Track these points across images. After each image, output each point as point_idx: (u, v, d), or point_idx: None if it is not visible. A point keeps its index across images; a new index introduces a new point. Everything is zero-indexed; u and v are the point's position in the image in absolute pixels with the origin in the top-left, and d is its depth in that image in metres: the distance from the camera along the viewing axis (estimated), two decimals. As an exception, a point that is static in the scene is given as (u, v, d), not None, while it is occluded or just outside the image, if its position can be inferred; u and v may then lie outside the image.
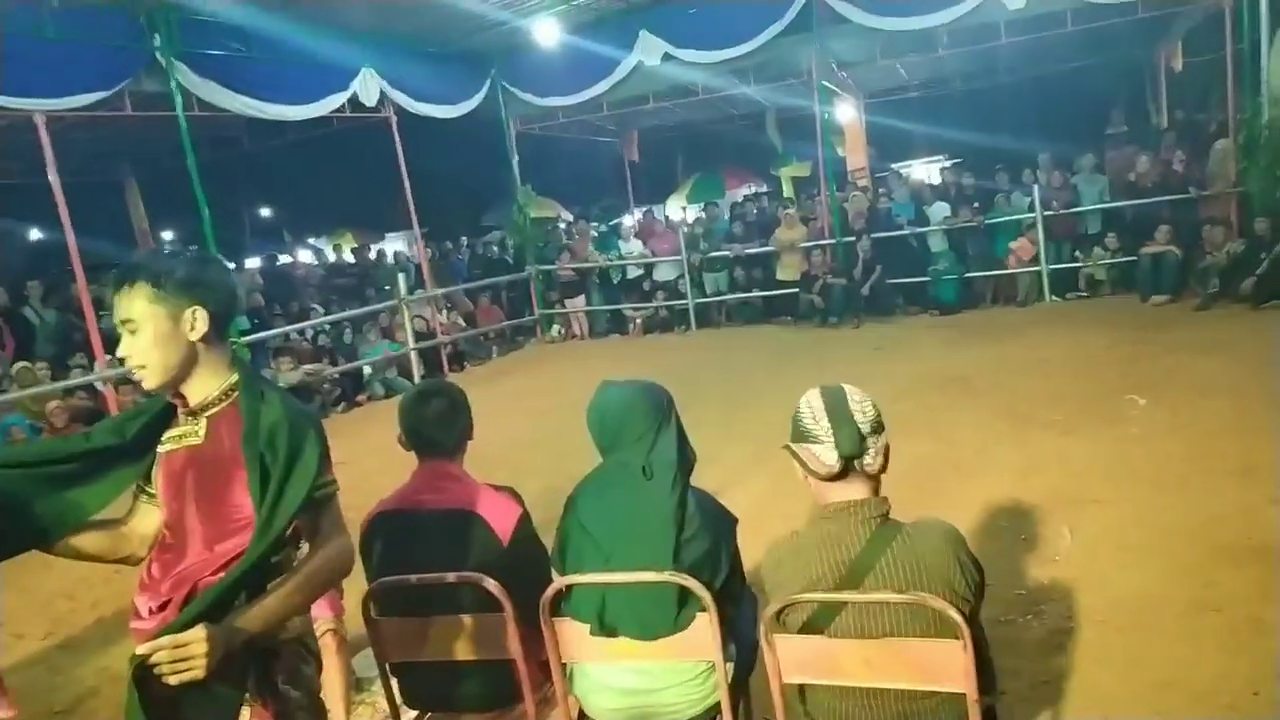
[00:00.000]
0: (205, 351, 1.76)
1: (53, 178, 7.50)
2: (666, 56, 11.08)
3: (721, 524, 2.32)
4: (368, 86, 10.12)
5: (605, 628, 2.22)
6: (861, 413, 1.86)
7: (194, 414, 1.78)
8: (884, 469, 1.90)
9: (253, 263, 15.37)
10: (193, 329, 1.72)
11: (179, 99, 8.28)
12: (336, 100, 9.87)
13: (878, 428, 1.87)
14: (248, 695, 1.72)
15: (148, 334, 1.71)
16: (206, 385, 1.77)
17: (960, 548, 1.85)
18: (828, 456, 1.85)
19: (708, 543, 2.23)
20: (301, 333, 10.26)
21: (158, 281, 1.70)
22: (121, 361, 1.75)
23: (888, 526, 1.86)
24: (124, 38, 7.92)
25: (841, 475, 1.86)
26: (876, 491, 1.90)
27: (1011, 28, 11.30)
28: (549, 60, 11.34)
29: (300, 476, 1.70)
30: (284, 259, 17.35)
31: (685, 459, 2.30)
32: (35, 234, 19.97)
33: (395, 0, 9.08)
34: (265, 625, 1.63)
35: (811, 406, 1.89)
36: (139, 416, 1.83)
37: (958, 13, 9.77)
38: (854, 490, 1.88)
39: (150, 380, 1.74)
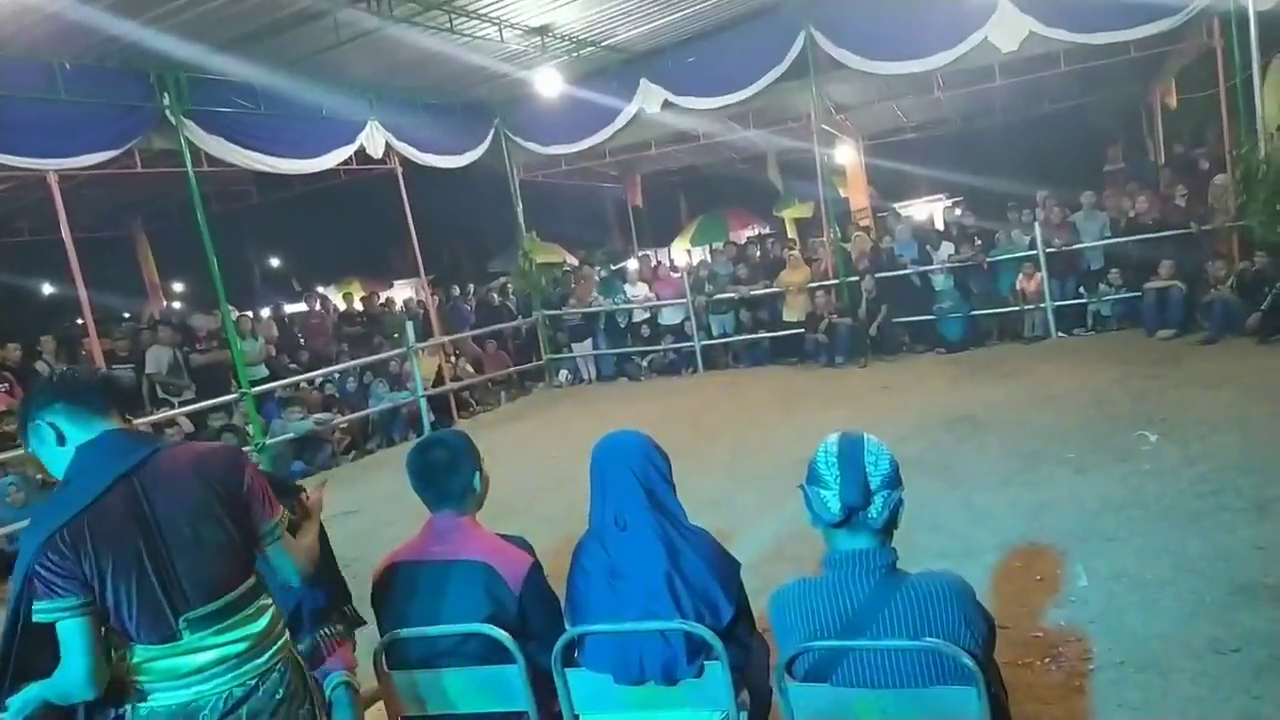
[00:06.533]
0: (69, 449, 1.91)
1: (65, 234, 7.62)
2: (667, 104, 11.27)
3: (724, 568, 2.32)
4: (374, 139, 10.29)
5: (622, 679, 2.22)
6: (874, 465, 1.85)
7: None
8: (892, 525, 1.88)
9: (265, 312, 15.49)
10: (50, 438, 1.91)
11: (188, 155, 8.44)
12: (343, 153, 10.05)
13: (889, 483, 1.86)
14: None
15: (44, 462, 1.96)
16: None
17: (966, 601, 1.83)
18: (832, 503, 1.85)
19: (705, 586, 2.24)
20: (311, 381, 10.30)
21: (23, 426, 1.96)
22: None
23: (892, 578, 1.86)
24: (135, 97, 8.09)
25: (844, 524, 1.86)
26: (885, 543, 1.90)
27: (1006, 70, 11.49)
28: (551, 109, 11.54)
29: (12, 589, 1.83)
30: (294, 308, 17.48)
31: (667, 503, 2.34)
32: (48, 289, 20.20)
33: (399, 55, 9.27)
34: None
35: (828, 451, 1.90)
36: None
37: (951, 57, 9.94)
38: (859, 539, 1.88)
39: None
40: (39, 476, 7.62)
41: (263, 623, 1.96)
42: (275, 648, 1.98)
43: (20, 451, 7.43)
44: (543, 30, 9.63)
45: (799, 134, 12.90)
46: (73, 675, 1.77)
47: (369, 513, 6.90)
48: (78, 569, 1.77)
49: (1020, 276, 10.44)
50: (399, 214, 11.20)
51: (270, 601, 2.02)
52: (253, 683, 1.91)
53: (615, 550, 2.28)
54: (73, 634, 1.77)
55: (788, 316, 11.44)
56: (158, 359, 9.27)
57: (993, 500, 5.14)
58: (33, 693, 1.82)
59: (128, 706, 1.88)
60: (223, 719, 1.88)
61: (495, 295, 14.67)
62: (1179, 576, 3.84)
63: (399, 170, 11.04)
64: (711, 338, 12.00)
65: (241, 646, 1.91)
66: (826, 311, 10.88)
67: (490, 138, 12.11)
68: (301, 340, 12.19)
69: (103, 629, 1.84)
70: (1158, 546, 4.18)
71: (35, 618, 1.77)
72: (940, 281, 10.89)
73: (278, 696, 1.95)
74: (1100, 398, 7.12)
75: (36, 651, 1.83)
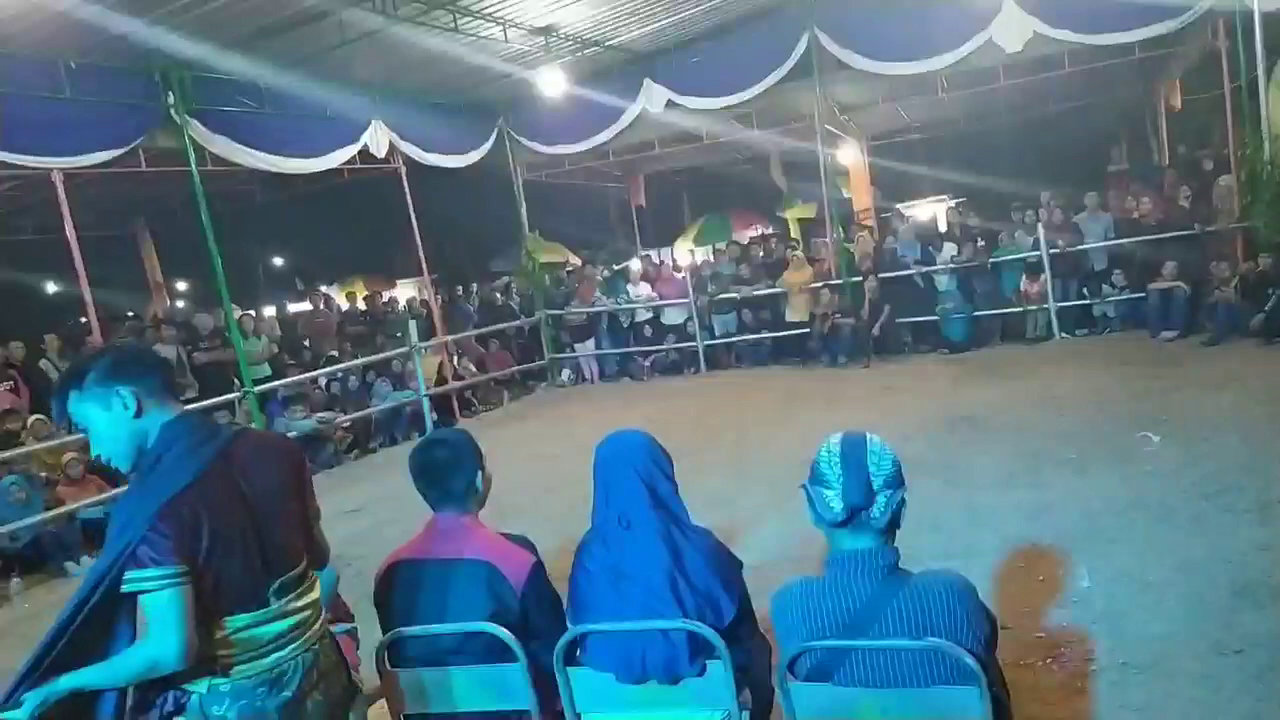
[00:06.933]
0: (146, 422, 1.91)
1: (69, 232, 7.63)
2: (670, 104, 11.27)
3: (726, 567, 2.32)
4: (377, 138, 10.30)
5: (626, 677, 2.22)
6: (876, 465, 1.85)
7: None
8: (895, 525, 1.88)
9: (269, 311, 15.51)
10: (126, 408, 1.88)
11: (192, 154, 8.45)
12: (347, 153, 10.06)
13: (892, 483, 1.85)
14: None
15: (95, 429, 1.91)
16: None
17: (968, 601, 1.83)
18: (835, 503, 1.85)
19: (707, 585, 2.24)
20: (314, 380, 10.31)
21: (79, 386, 1.89)
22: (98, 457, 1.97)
23: (894, 578, 1.85)
24: (139, 96, 8.10)
25: (847, 524, 1.86)
26: (887, 542, 1.89)
27: (1010, 71, 11.47)
28: (555, 109, 11.55)
29: (103, 561, 1.81)
30: (298, 307, 17.49)
31: (670, 503, 2.35)
32: (52, 287, 20.26)
33: (404, 55, 9.28)
34: (70, 690, 1.80)
35: (830, 450, 1.89)
36: None
37: (955, 57, 9.93)
38: (862, 539, 1.88)
39: (122, 465, 1.95)
40: (42, 474, 7.64)
41: (316, 592, 2.10)
42: (323, 617, 2.11)
43: (24, 449, 7.45)
44: (547, 30, 9.64)
45: (803, 134, 12.89)
46: (167, 646, 1.77)
47: (371, 512, 6.91)
48: (188, 539, 1.80)
49: (1024, 279, 10.44)
50: (402, 213, 11.21)
51: (315, 575, 2.14)
52: (316, 647, 2.03)
53: (618, 549, 2.29)
54: (171, 603, 1.78)
55: (791, 317, 11.43)
56: (161, 357, 9.29)
57: (995, 501, 5.14)
58: (62, 684, 1.80)
59: (200, 686, 1.88)
60: (302, 681, 1.97)
61: (498, 295, 14.68)
62: (1182, 578, 3.83)
63: (403, 170, 11.04)
64: (714, 338, 12.00)
65: (308, 614, 2.02)
66: (829, 312, 10.87)
67: (494, 137, 12.12)
68: (305, 340, 12.19)
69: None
70: (1160, 547, 4.18)
71: (131, 587, 1.76)
72: (943, 282, 10.88)
73: (333, 659, 2.10)
74: (1103, 399, 7.12)
75: (90, 641, 1.82)
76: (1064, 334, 10.21)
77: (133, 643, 1.83)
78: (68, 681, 1.80)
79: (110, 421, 1.89)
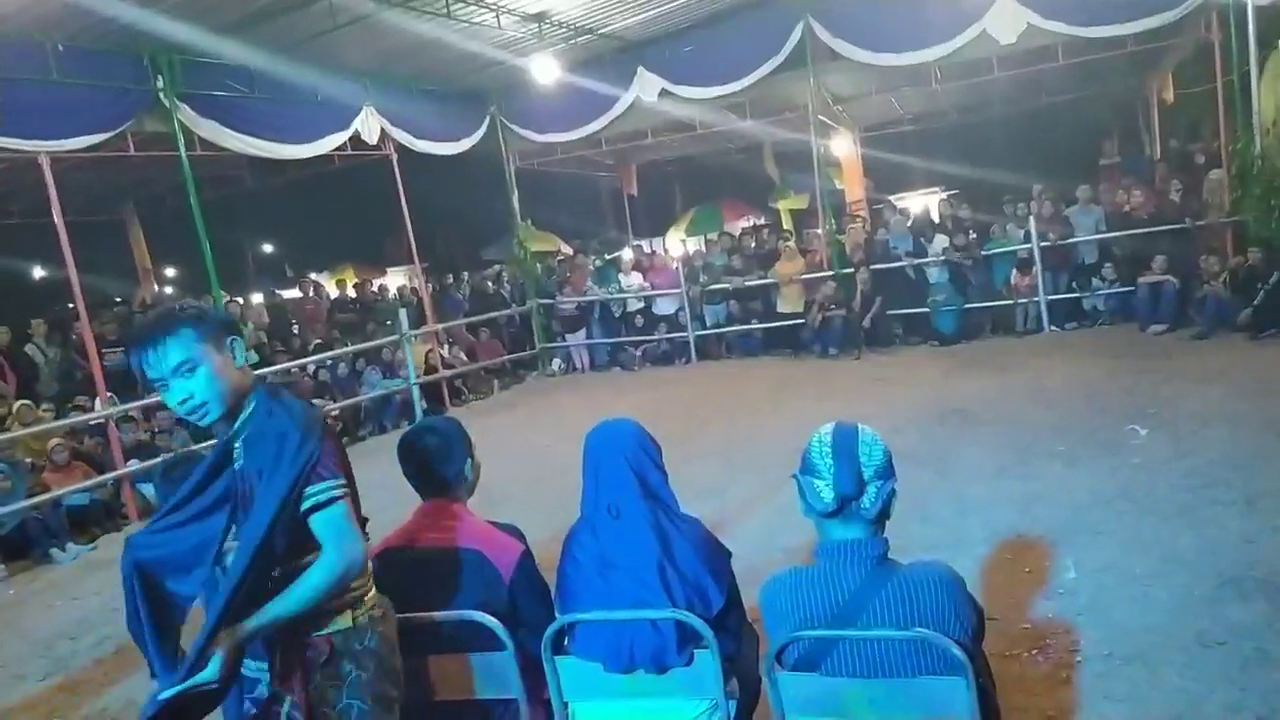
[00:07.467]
0: (244, 376, 1.95)
1: (57, 217, 7.57)
2: (664, 93, 11.23)
3: (715, 557, 2.32)
4: (369, 125, 10.24)
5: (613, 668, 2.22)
6: (867, 455, 1.85)
7: (235, 436, 1.92)
8: (885, 515, 1.89)
9: (257, 298, 15.42)
10: (235, 357, 1.92)
11: (181, 139, 8.38)
12: (338, 139, 10.00)
13: (882, 473, 1.86)
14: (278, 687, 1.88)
15: (205, 370, 1.86)
16: (245, 408, 1.94)
17: (956, 592, 1.84)
18: (825, 493, 1.85)
19: (696, 575, 2.25)
20: (303, 368, 10.27)
21: (197, 324, 1.88)
22: (181, 405, 1.89)
23: (883, 568, 1.86)
24: (128, 79, 8.03)
25: (837, 514, 1.86)
26: (877, 533, 1.90)
27: (1004, 63, 11.47)
28: (547, 97, 11.50)
29: (279, 485, 1.81)
30: (288, 294, 17.40)
31: (660, 493, 2.35)
32: (39, 272, 20.14)
33: (396, 40, 9.21)
34: (257, 633, 1.80)
35: (822, 440, 1.90)
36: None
37: (949, 48, 9.92)
38: (852, 530, 1.88)
39: (214, 413, 1.90)
40: (28, 460, 7.59)
41: None
42: None
43: (9, 435, 7.40)
44: (540, 17, 9.59)
45: (796, 125, 12.88)
46: (357, 547, 1.85)
47: (360, 499, 6.89)
48: (342, 457, 1.91)
49: (1015, 272, 10.47)
50: (393, 201, 11.16)
51: None
52: None
53: (607, 538, 2.28)
54: (346, 512, 1.86)
55: (782, 308, 11.44)
56: (149, 344, 9.21)
57: (984, 492, 5.16)
58: (248, 630, 1.78)
59: (344, 622, 1.92)
60: (393, 619, 2.08)
61: (489, 283, 14.64)
62: (1167, 569, 3.86)
63: (394, 156, 10.99)
64: (705, 328, 12.00)
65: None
66: (821, 302, 10.87)
67: (486, 125, 12.07)
68: (294, 327, 12.13)
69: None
70: (1147, 539, 4.20)
71: (314, 500, 1.82)
72: (935, 274, 10.90)
73: None
74: (1092, 392, 7.15)
75: (262, 579, 1.82)
76: (1054, 327, 10.24)
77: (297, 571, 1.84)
78: (255, 623, 1.78)
79: (222, 365, 1.89)
